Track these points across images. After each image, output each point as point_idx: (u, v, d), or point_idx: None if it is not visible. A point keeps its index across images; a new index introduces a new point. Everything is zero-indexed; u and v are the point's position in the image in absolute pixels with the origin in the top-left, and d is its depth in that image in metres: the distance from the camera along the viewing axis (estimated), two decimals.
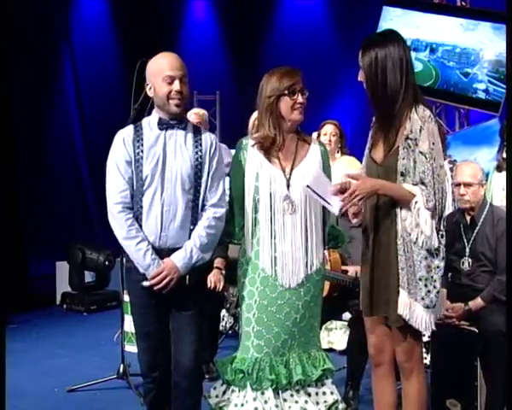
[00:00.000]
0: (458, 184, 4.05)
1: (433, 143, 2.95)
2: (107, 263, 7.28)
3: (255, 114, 4.59)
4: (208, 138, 3.23)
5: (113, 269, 7.25)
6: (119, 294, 4.93)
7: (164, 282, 3.08)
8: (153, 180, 3.10)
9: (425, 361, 4.61)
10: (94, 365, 5.27)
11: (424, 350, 4.56)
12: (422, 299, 2.96)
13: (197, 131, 3.24)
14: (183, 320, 3.16)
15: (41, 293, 7.59)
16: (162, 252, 3.12)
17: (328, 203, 3.09)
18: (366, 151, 3.19)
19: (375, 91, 3.02)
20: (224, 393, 3.31)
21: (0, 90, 6.39)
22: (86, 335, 6.31)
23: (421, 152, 2.94)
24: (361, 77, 3.06)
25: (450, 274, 4.14)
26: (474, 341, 3.89)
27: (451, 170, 4.56)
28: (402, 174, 2.97)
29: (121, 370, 4.66)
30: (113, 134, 4.07)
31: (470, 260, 4.03)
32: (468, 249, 4.04)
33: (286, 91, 3.23)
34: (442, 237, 3.00)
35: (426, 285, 2.96)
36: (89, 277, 7.57)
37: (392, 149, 3.01)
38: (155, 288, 3.09)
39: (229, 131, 7.83)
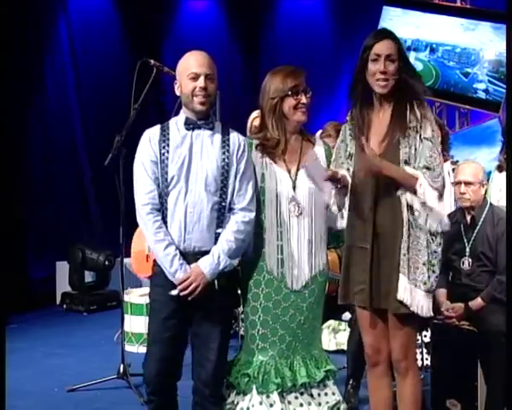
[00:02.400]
0: (459, 183, 4.06)
1: (434, 131, 3.05)
2: (107, 263, 7.27)
3: (254, 114, 4.60)
4: (236, 140, 3.17)
5: (113, 269, 7.25)
6: (119, 294, 4.93)
7: (190, 288, 3.01)
8: (178, 181, 3.05)
9: (425, 362, 4.63)
10: (94, 365, 5.27)
11: (424, 350, 4.59)
12: (424, 284, 3.01)
13: (225, 132, 3.17)
14: (208, 326, 3.09)
15: (41, 293, 7.59)
16: (188, 255, 3.06)
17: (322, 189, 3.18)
18: (351, 147, 3.19)
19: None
20: (229, 395, 3.30)
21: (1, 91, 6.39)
22: (86, 335, 6.31)
23: (426, 138, 3.02)
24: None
25: (450, 274, 4.14)
26: (474, 341, 3.89)
27: (453, 170, 4.55)
28: (406, 162, 3.03)
29: (121, 370, 4.65)
30: (114, 134, 4.09)
31: (470, 259, 4.03)
32: (468, 249, 4.04)
33: (289, 92, 3.21)
34: None
35: (428, 269, 3.01)
36: (89, 277, 7.56)
37: (393, 141, 3.04)
38: (182, 294, 3.02)
39: None
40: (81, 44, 8.46)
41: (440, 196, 3.01)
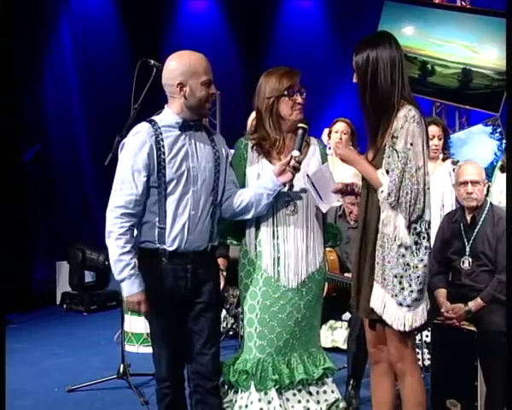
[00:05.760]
0: (464, 183, 4.03)
1: (411, 144, 2.95)
2: (107, 263, 7.26)
3: (254, 114, 4.59)
4: (218, 136, 3.24)
5: None
6: (119, 294, 4.91)
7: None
8: (178, 184, 3.02)
9: (426, 361, 4.64)
10: (94, 365, 5.28)
11: (425, 351, 4.59)
12: (396, 296, 2.97)
13: (208, 131, 3.20)
14: (203, 322, 3.12)
15: (41, 293, 7.59)
16: (188, 255, 3.06)
17: (321, 198, 3.18)
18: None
19: (366, 92, 3.04)
20: (226, 394, 3.31)
21: (2, 91, 6.39)
22: (86, 335, 6.32)
23: (396, 150, 2.96)
24: (355, 78, 3.08)
25: (450, 274, 4.14)
26: (474, 341, 3.89)
27: (454, 170, 4.55)
28: (387, 172, 2.98)
29: (121, 370, 4.66)
30: (115, 135, 4.08)
31: (470, 259, 4.03)
32: (468, 249, 4.04)
33: (285, 92, 3.22)
34: (423, 238, 2.99)
35: (400, 282, 2.96)
36: (89, 277, 7.57)
37: (381, 148, 3.04)
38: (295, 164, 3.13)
39: (229, 131, 7.81)
40: (81, 45, 8.49)
41: (394, 210, 2.95)
